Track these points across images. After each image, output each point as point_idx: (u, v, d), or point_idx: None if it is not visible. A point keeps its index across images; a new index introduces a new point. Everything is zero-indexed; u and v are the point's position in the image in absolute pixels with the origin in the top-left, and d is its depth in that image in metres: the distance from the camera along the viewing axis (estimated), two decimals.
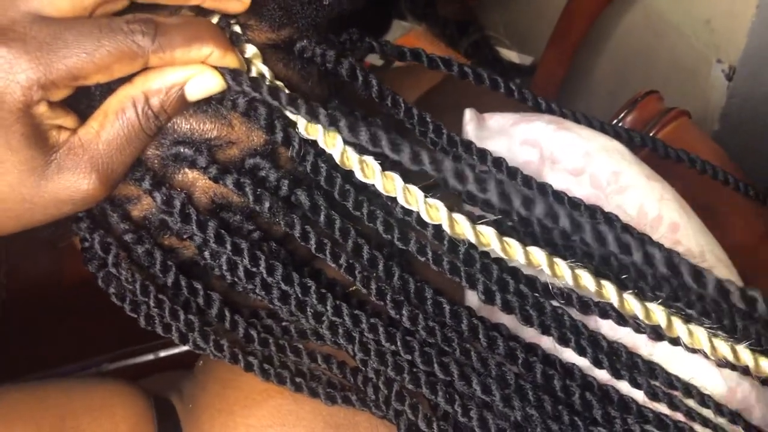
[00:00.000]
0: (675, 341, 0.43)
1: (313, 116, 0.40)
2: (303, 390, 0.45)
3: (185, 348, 0.45)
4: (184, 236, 0.44)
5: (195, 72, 0.39)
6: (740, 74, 1.12)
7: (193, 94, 0.39)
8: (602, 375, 0.44)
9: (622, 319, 0.44)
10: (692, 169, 0.67)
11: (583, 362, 0.44)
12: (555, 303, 0.44)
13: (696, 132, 0.77)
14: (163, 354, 0.86)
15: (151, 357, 0.87)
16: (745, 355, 0.43)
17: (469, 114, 0.53)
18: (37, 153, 0.38)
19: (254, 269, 0.43)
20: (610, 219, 0.46)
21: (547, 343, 0.45)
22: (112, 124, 0.39)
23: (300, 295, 0.43)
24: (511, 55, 1.34)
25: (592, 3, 1.16)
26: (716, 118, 1.18)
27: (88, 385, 0.47)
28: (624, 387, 0.45)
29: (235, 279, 0.43)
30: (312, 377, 0.46)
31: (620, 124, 0.79)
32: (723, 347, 0.42)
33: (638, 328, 0.44)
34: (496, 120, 0.54)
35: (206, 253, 0.43)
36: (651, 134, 0.78)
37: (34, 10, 0.37)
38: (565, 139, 0.51)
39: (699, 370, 0.45)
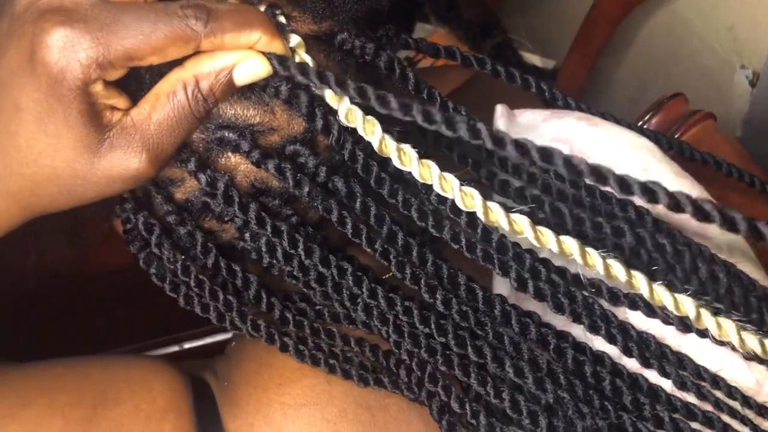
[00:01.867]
0: (703, 333, 0.44)
1: (361, 95, 0.40)
2: (336, 371, 0.46)
3: (209, 340, 0.46)
4: (226, 218, 0.45)
5: (244, 57, 0.40)
6: (764, 80, 1.12)
7: (241, 78, 0.41)
8: (632, 364, 0.45)
9: (651, 310, 0.44)
10: (717, 171, 0.67)
11: (613, 351, 0.45)
12: (585, 293, 0.45)
13: (721, 135, 0.78)
14: (187, 345, 0.87)
15: (176, 348, 0.88)
16: (730, 330, 0.44)
17: (500, 109, 0.54)
18: (92, 131, 0.39)
19: (292, 251, 0.44)
20: (641, 213, 0.46)
21: (578, 332, 0.45)
22: (164, 105, 0.40)
23: (336, 278, 0.44)
24: (534, 59, 1.34)
25: (616, 9, 1.16)
26: (739, 124, 1.18)
27: (128, 361, 0.48)
28: (653, 376, 0.45)
29: (274, 261, 0.44)
30: (345, 359, 0.46)
31: (645, 126, 0.80)
32: (751, 340, 0.43)
33: (667, 319, 0.44)
34: (527, 116, 0.55)
35: (246, 235, 0.44)
36: (676, 136, 0.78)
37: None
38: (596, 136, 0.52)
39: (727, 363, 0.46)
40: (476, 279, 0.46)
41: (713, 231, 0.50)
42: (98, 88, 0.39)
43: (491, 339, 0.44)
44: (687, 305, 0.42)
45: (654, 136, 0.66)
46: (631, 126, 0.57)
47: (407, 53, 1.34)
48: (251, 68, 0.40)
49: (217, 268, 0.45)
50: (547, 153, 0.46)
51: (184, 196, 0.45)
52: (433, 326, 0.44)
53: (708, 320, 0.42)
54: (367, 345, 0.47)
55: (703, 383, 0.45)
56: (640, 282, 0.42)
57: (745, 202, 0.68)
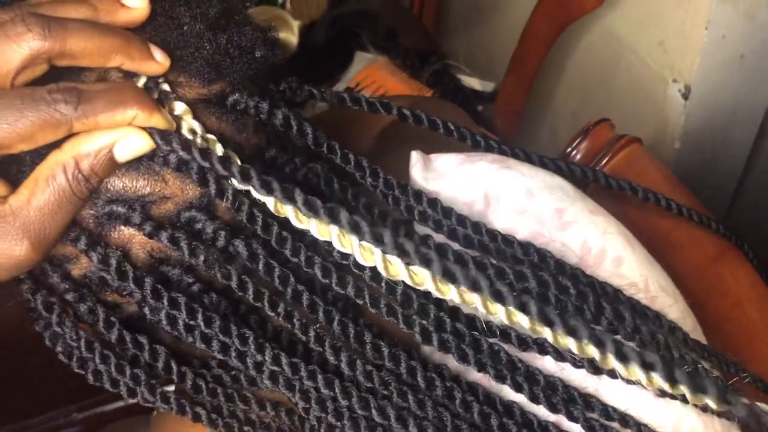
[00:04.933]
0: (612, 374, 0.44)
1: (245, 178, 0.41)
2: None
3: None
4: (124, 293, 0.44)
5: (123, 134, 0.40)
6: (695, 93, 1.15)
7: (123, 155, 0.40)
8: (543, 411, 0.45)
9: (559, 354, 0.45)
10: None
11: (524, 399, 0.45)
12: (492, 340, 0.45)
13: (647, 158, 0.79)
14: (132, 400, 0.86)
15: (121, 404, 0.87)
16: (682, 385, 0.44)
17: (415, 156, 0.54)
18: None
19: (192, 322, 0.44)
20: (545, 256, 0.47)
21: (492, 382, 0.45)
22: (43, 190, 0.39)
23: (239, 346, 0.44)
24: (473, 82, 1.36)
25: (548, 30, 1.18)
26: (677, 136, 1.20)
27: None
28: (564, 422, 0.45)
29: (176, 332, 0.44)
30: (261, 425, 0.46)
31: (574, 152, 0.81)
32: (658, 378, 0.43)
33: (575, 362, 0.45)
34: (442, 161, 0.55)
35: (146, 309, 0.44)
36: (604, 161, 0.79)
37: None
38: (508, 178, 0.52)
39: (646, 405, 0.46)
40: (401, 332, 0.45)
41: (626, 267, 0.50)
42: None
43: (395, 399, 0.44)
44: (591, 347, 0.43)
45: (579, 170, 0.67)
46: (546, 161, 0.58)
47: (349, 83, 1.35)
48: (132, 145, 0.40)
49: (123, 341, 0.44)
50: (446, 210, 0.47)
51: (81, 272, 0.44)
52: (337, 390, 0.44)
53: (613, 360, 0.43)
54: (283, 409, 0.47)
55: (613, 424, 0.45)
56: (543, 328, 0.42)
57: (666, 224, 0.69)
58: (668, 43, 1.16)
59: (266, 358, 0.44)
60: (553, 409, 0.45)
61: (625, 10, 1.22)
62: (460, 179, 0.53)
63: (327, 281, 0.43)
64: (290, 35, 0.65)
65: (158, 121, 0.40)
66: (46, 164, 0.39)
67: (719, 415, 0.47)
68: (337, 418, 0.44)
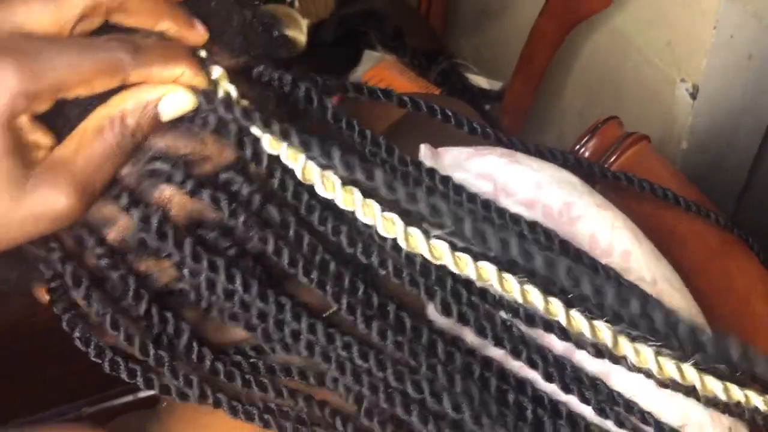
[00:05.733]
0: (617, 361, 0.44)
1: (285, 136, 0.41)
2: (271, 426, 0.45)
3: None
4: (162, 255, 0.43)
5: (168, 90, 0.40)
6: (703, 93, 1.15)
7: (167, 112, 0.41)
8: (551, 389, 0.45)
9: (566, 335, 0.45)
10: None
11: (535, 377, 0.45)
12: (505, 316, 0.45)
13: (655, 156, 0.79)
14: (142, 394, 0.86)
15: (130, 398, 0.87)
16: (691, 374, 0.44)
17: (424, 150, 0.55)
18: (18, 166, 0.38)
19: (231, 287, 0.43)
20: (550, 235, 0.47)
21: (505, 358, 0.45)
22: (90, 143, 0.39)
23: (276, 314, 0.44)
24: (481, 81, 1.36)
25: (555, 31, 1.18)
26: (684, 136, 1.20)
27: (54, 428, 0.47)
28: (573, 404, 0.45)
29: (214, 298, 0.43)
30: (280, 413, 0.46)
31: (582, 150, 0.81)
32: (669, 366, 0.43)
33: (583, 345, 0.45)
34: (452, 154, 0.55)
35: (185, 272, 0.43)
36: (612, 159, 0.79)
37: (17, 25, 0.38)
38: (517, 172, 0.53)
39: (654, 397, 0.46)
40: (417, 308, 0.45)
41: (634, 261, 0.51)
42: (24, 121, 0.38)
43: (425, 371, 0.44)
44: (604, 331, 0.42)
45: (587, 165, 0.67)
46: (556, 155, 0.58)
47: (359, 78, 1.35)
48: (176, 102, 0.40)
49: (149, 315, 0.44)
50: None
51: (119, 236, 0.44)
52: (371, 361, 0.44)
53: (626, 346, 0.43)
54: (301, 396, 0.47)
55: (618, 408, 0.45)
56: (557, 308, 0.42)
57: (672, 220, 0.69)
58: (676, 44, 1.16)
59: (302, 326, 0.44)
60: (566, 388, 0.45)
61: (632, 10, 1.22)
62: (470, 172, 0.53)
63: (352, 250, 0.43)
64: (299, 34, 0.66)
65: (202, 81, 0.41)
66: (93, 117, 0.40)
67: (727, 410, 0.47)
68: (372, 391, 0.44)
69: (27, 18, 0.38)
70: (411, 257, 0.43)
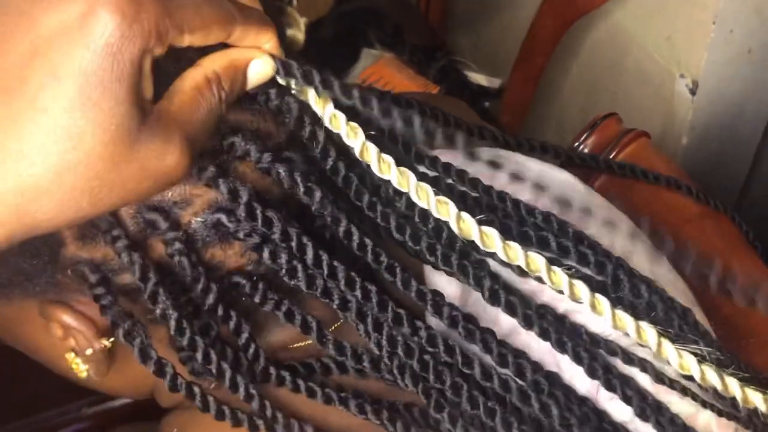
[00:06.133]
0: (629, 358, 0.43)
1: (346, 93, 0.39)
2: None
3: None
4: (239, 237, 0.41)
5: (256, 55, 0.39)
6: (703, 88, 1.14)
7: (253, 77, 0.39)
8: (579, 380, 0.44)
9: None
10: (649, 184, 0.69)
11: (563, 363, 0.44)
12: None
13: (655, 152, 0.79)
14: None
15: (129, 399, 0.87)
16: (734, 385, 0.42)
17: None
18: (137, 111, 0.34)
19: (315, 270, 0.41)
20: (563, 224, 0.46)
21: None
22: (192, 99, 0.37)
23: (362, 300, 0.42)
24: (480, 78, 1.36)
25: (554, 27, 1.18)
26: (684, 131, 1.20)
27: None
28: (599, 395, 0.44)
29: (295, 282, 0.41)
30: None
31: (581, 146, 0.81)
32: (711, 374, 0.41)
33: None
34: (445, 158, 0.55)
35: (265, 254, 0.41)
36: (611, 156, 0.79)
37: None
38: (515, 175, 0.52)
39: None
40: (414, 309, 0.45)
41: (634, 262, 0.50)
42: (149, 62, 0.35)
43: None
44: (649, 333, 0.41)
45: (590, 158, 0.67)
46: (560, 152, 0.57)
47: (356, 80, 1.35)
48: (261, 69, 0.39)
49: (215, 311, 0.41)
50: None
51: (193, 218, 0.41)
52: (424, 339, 0.42)
53: (669, 350, 0.41)
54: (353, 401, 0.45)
55: (658, 414, 0.44)
56: (603, 305, 0.41)
57: (675, 218, 0.69)
58: (675, 38, 1.15)
59: (388, 315, 0.42)
60: (593, 373, 0.43)
61: (632, 5, 1.21)
62: (470, 170, 0.53)
63: (400, 237, 0.42)
64: (297, 32, 0.65)
65: (280, 51, 0.40)
66: (189, 77, 0.37)
67: (732, 416, 0.47)
68: (422, 368, 0.42)
69: None
70: (462, 243, 0.42)
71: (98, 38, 0.33)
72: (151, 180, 0.35)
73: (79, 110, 0.33)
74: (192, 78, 0.37)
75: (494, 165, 0.53)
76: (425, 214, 0.41)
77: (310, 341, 0.45)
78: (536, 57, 1.23)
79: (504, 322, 0.44)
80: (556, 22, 1.19)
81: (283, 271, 0.41)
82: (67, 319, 0.44)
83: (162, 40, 0.34)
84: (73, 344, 0.45)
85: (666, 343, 0.41)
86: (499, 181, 0.52)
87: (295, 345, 0.49)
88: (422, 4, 1.54)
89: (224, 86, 0.38)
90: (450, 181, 0.45)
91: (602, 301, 0.41)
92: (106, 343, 0.45)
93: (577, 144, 0.81)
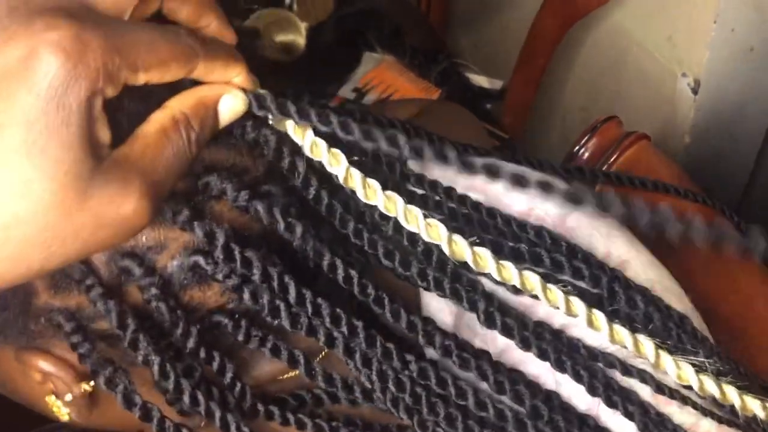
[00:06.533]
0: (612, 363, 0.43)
1: (324, 120, 0.38)
2: None
3: None
4: (220, 278, 0.40)
5: (226, 91, 0.37)
6: (705, 87, 1.14)
7: (224, 115, 0.38)
8: (579, 399, 0.44)
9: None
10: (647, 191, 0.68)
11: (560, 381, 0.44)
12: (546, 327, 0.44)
13: (656, 155, 0.79)
14: None
15: None
16: (732, 394, 0.42)
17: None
18: (88, 156, 0.32)
19: (298, 309, 0.40)
20: (556, 239, 0.46)
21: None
22: (157, 144, 0.35)
23: (348, 335, 0.41)
24: (481, 80, 1.35)
25: (554, 28, 1.18)
26: (686, 130, 1.19)
27: None
28: (601, 414, 0.44)
29: (277, 322, 0.40)
30: None
31: (582, 150, 0.81)
32: (710, 384, 0.41)
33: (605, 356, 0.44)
34: (439, 169, 0.55)
35: (245, 295, 0.40)
36: (612, 159, 0.79)
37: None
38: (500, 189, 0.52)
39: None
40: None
41: (632, 270, 0.50)
42: (99, 104, 0.32)
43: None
44: (646, 345, 0.41)
45: (589, 172, 0.67)
46: (556, 168, 0.57)
47: (357, 84, 1.35)
48: (233, 104, 0.37)
49: (197, 354, 0.40)
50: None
51: (169, 262, 0.40)
52: (432, 378, 0.42)
53: (667, 361, 0.41)
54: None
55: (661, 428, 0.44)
56: (600, 321, 0.41)
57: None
58: (676, 38, 1.15)
59: (377, 350, 0.41)
60: (594, 391, 0.43)
61: (632, 5, 1.21)
62: (459, 186, 0.53)
63: (389, 263, 0.41)
64: (298, 37, 0.65)
65: (252, 84, 0.39)
66: (156, 117, 0.36)
67: (732, 423, 0.47)
68: (415, 401, 0.42)
69: None
70: (454, 266, 0.41)
71: (41, 81, 0.31)
72: (108, 229, 0.33)
73: (25, 158, 0.31)
74: (157, 120, 0.35)
75: (491, 172, 0.52)
76: (414, 237, 0.41)
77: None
78: (537, 58, 1.23)
79: (499, 339, 0.43)
80: (557, 22, 1.19)
81: (266, 311, 0.40)
82: (44, 365, 0.42)
83: (113, 79, 0.32)
84: (53, 388, 0.44)
85: (664, 355, 0.41)
86: (496, 189, 0.52)
87: (284, 377, 0.48)
88: (423, 5, 1.54)
89: (194, 126, 0.36)
90: (438, 198, 0.45)
91: (599, 317, 0.41)
92: (86, 387, 0.44)
93: (577, 147, 0.80)
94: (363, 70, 1.34)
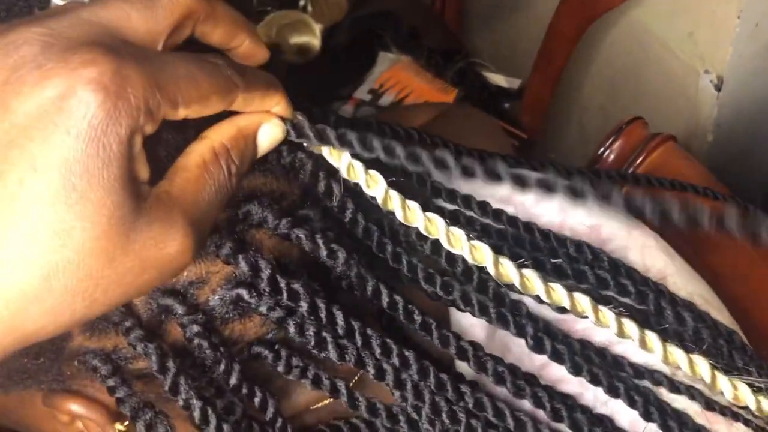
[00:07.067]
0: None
1: (367, 147, 0.37)
2: None
3: None
4: (262, 310, 0.39)
5: (265, 120, 0.36)
6: (728, 84, 1.12)
7: (264, 143, 0.37)
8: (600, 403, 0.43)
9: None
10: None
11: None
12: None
13: (683, 156, 0.77)
14: None
15: None
16: (746, 393, 0.42)
17: None
18: (131, 198, 0.31)
19: (346, 342, 0.39)
20: (597, 254, 0.45)
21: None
22: (198, 178, 0.34)
23: (399, 368, 0.40)
24: (499, 79, 1.34)
25: (573, 27, 1.16)
26: (709, 128, 1.17)
27: None
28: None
29: (324, 354, 0.39)
30: None
31: (607, 152, 0.79)
32: (767, 404, 0.41)
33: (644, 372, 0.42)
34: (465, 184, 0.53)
35: (291, 328, 0.39)
36: (638, 161, 0.77)
37: (117, 29, 0.32)
38: (537, 194, 0.50)
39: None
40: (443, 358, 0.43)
41: (670, 282, 0.49)
42: (139, 142, 0.31)
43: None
44: (702, 366, 0.40)
45: (617, 174, 0.65)
46: (583, 173, 0.55)
47: (373, 85, 1.34)
48: (272, 133, 0.36)
49: (239, 389, 0.39)
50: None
51: (210, 296, 0.38)
52: (470, 399, 0.40)
53: (723, 382, 0.40)
54: None
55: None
56: (654, 342, 0.40)
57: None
58: (699, 34, 1.13)
59: (431, 381, 0.40)
60: (649, 417, 0.41)
61: (652, 2, 1.19)
62: (485, 195, 0.51)
63: (430, 287, 0.40)
64: (313, 39, 0.64)
65: (291, 112, 0.37)
66: (196, 150, 0.34)
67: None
68: (452, 422, 0.40)
69: (124, 23, 0.32)
70: (499, 291, 0.40)
71: (80, 121, 0.29)
72: (152, 271, 0.32)
73: (64, 204, 0.29)
74: (197, 153, 0.34)
75: (520, 182, 0.51)
76: (453, 257, 0.39)
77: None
78: (556, 57, 1.21)
79: (537, 355, 0.42)
80: (576, 21, 1.17)
81: (312, 343, 0.39)
82: (76, 408, 0.40)
83: (153, 116, 0.31)
84: (82, 429, 0.42)
85: (720, 376, 0.40)
86: (525, 200, 0.51)
87: (318, 405, 0.47)
88: (438, 5, 1.52)
89: (234, 159, 0.35)
90: (471, 214, 0.44)
91: (652, 338, 0.40)
92: (120, 428, 0.42)
93: (602, 150, 0.79)
94: (379, 71, 1.33)
